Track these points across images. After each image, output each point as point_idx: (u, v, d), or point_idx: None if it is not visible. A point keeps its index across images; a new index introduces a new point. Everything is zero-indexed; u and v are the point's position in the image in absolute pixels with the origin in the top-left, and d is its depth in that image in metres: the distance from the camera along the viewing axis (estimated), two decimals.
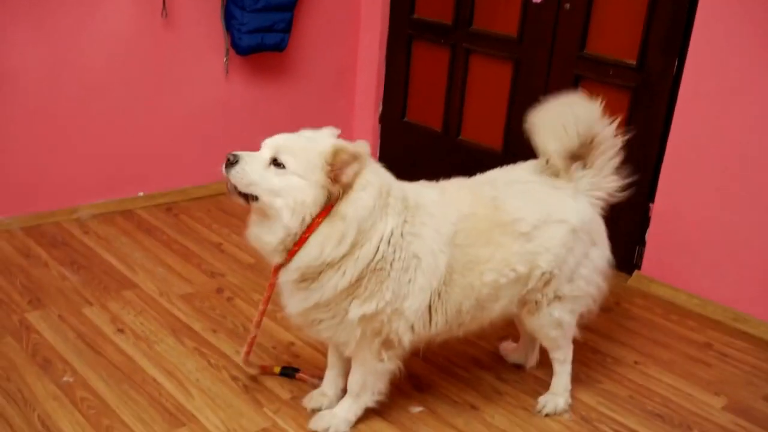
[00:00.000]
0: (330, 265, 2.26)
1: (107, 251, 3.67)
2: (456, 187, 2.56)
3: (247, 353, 2.69)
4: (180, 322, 3.13)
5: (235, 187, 2.28)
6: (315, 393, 2.68)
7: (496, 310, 2.56)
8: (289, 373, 2.79)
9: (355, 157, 2.22)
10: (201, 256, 3.71)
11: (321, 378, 2.75)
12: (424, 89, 4.64)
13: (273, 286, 2.45)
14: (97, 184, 4.05)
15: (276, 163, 2.23)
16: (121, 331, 3.03)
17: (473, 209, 2.46)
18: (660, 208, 3.65)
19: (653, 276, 3.72)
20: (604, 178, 2.65)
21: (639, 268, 3.78)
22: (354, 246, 2.25)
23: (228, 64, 4.29)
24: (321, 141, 2.28)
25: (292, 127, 4.99)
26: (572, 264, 2.56)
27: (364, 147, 2.24)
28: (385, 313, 2.34)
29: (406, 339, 2.42)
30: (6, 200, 3.79)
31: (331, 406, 2.62)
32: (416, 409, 2.70)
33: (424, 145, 4.67)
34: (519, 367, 3.00)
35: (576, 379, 2.84)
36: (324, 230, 2.23)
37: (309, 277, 2.31)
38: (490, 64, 4.26)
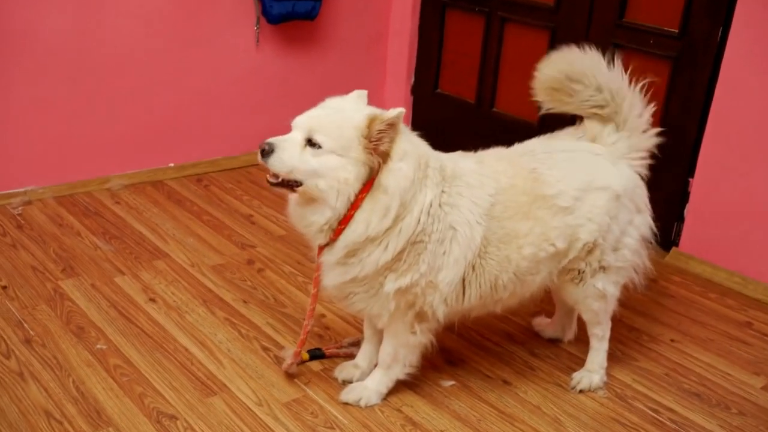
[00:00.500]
0: (372, 240, 2.26)
1: (138, 221, 3.71)
2: (495, 157, 2.54)
3: (300, 345, 2.64)
4: (211, 293, 3.17)
5: (276, 177, 2.26)
6: (347, 364, 2.70)
7: (537, 282, 2.55)
8: (317, 354, 2.78)
9: (390, 125, 2.19)
10: (231, 228, 3.74)
11: (341, 346, 2.79)
12: (458, 59, 4.59)
13: (320, 267, 2.44)
14: (128, 154, 4.10)
15: (311, 143, 2.21)
16: (152, 300, 3.08)
17: (512, 181, 2.44)
18: (700, 182, 3.59)
19: (692, 253, 3.67)
20: (639, 137, 2.63)
21: (677, 244, 3.73)
22: (396, 219, 2.24)
23: (259, 33, 4.28)
24: (353, 112, 2.25)
25: (323, 98, 4.98)
26: (617, 232, 2.54)
27: (398, 113, 2.20)
28: (419, 286, 2.34)
29: (440, 312, 2.43)
30: (39, 170, 3.85)
31: (362, 379, 2.64)
32: (448, 383, 2.72)
33: (457, 117, 4.64)
34: (555, 342, 3.00)
35: (611, 356, 2.83)
36: (367, 205, 2.22)
37: (350, 253, 2.31)
38: (526, 33, 4.20)
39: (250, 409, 2.53)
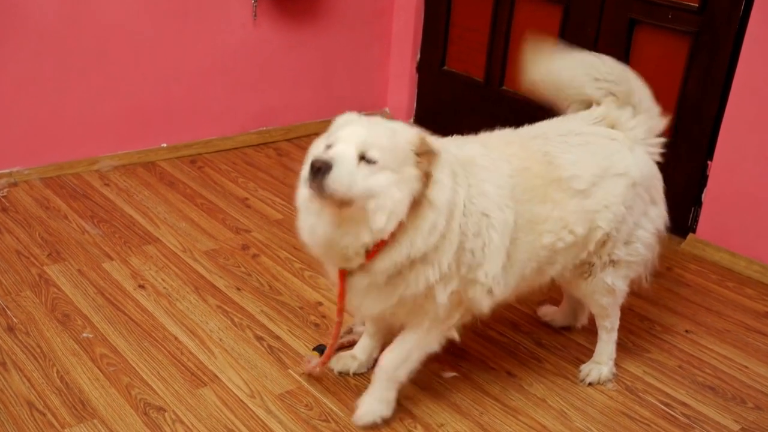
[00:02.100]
0: (420, 260, 2.16)
1: (128, 204, 3.71)
2: (502, 141, 2.48)
3: (323, 364, 2.58)
4: (203, 279, 3.16)
5: (323, 194, 2.05)
6: (344, 355, 2.69)
7: (551, 274, 2.52)
8: (324, 349, 2.69)
9: (434, 152, 2.14)
10: (226, 211, 3.73)
11: (339, 337, 2.78)
12: (466, 34, 4.55)
13: (343, 294, 2.31)
14: (119, 134, 4.08)
15: (364, 159, 2.07)
16: (142, 287, 3.08)
17: (525, 164, 2.39)
18: (719, 165, 3.55)
19: (709, 240, 3.64)
20: (656, 119, 2.61)
21: (694, 231, 3.70)
22: (443, 233, 2.16)
23: (256, 6, 4.25)
24: (400, 129, 2.17)
25: (324, 75, 4.94)
26: (630, 224, 2.51)
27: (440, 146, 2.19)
28: (465, 286, 2.28)
29: (486, 304, 2.37)
30: (25, 150, 3.84)
31: (359, 370, 2.65)
32: (449, 375, 2.71)
33: (464, 95, 4.60)
34: (566, 330, 2.99)
35: (622, 347, 2.82)
36: (412, 224, 2.12)
37: (393, 275, 2.20)
38: (537, 8, 4.15)
39: (241, 401, 2.52)
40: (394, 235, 2.11)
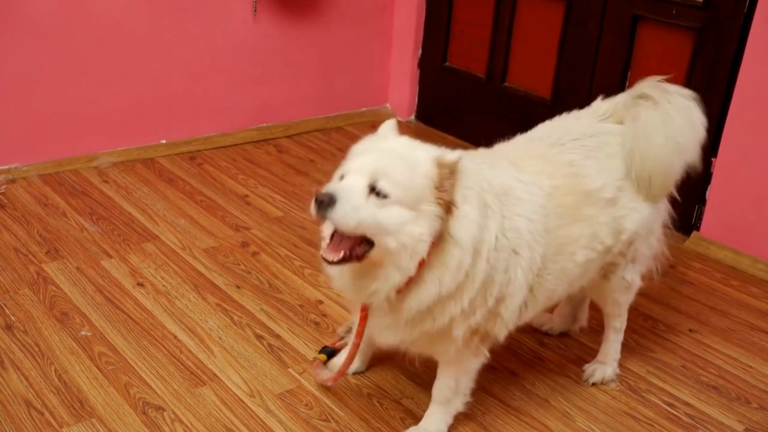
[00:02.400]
0: (447, 297, 2.08)
1: (127, 201, 3.70)
2: (525, 154, 2.38)
3: (335, 379, 2.55)
4: (202, 277, 3.16)
5: (336, 251, 1.98)
6: (341, 358, 2.62)
7: (581, 284, 2.51)
8: (331, 352, 2.70)
9: (452, 171, 1.99)
10: (225, 209, 3.72)
11: (341, 338, 2.78)
12: (468, 30, 4.54)
13: (364, 325, 2.26)
14: (118, 130, 4.08)
15: (375, 192, 1.95)
16: (141, 285, 3.08)
17: (554, 181, 2.31)
18: (723, 162, 3.54)
19: (713, 238, 3.63)
20: None
21: (698, 228, 3.70)
22: (468, 270, 2.06)
23: (256, 1, 4.24)
24: (416, 157, 2.01)
25: (324, 71, 4.92)
26: (651, 218, 2.51)
27: (458, 157, 2.01)
28: (485, 318, 2.22)
29: (502, 335, 2.33)
30: (23, 146, 3.84)
31: (358, 370, 2.64)
32: None
33: (466, 91, 4.59)
34: (564, 335, 2.97)
35: (625, 346, 2.81)
36: (437, 261, 2.01)
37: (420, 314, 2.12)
38: (540, 3, 4.14)
39: (241, 400, 2.52)
40: (420, 274, 2.02)
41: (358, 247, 1.98)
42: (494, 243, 2.09)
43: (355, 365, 2.65)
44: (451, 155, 2.01)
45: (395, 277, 2.01)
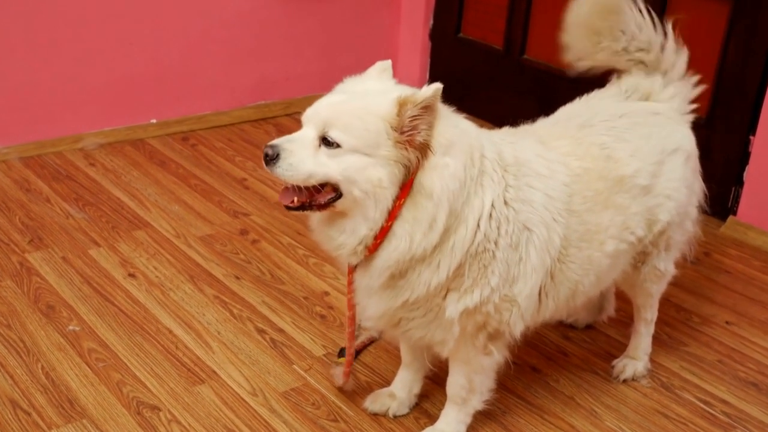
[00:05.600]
0: (420, 259, 2.07)
1: (116, 186, 3.71)
2: (552, 134, 2.38)
3: (347, 374, 2.53)
4: (199, 267, 3.17)
5: (291, 197, 2.06)
6: (382, 393, 2.56)
7: (612, 278, 2.51)
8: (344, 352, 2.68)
9: (425, 108, 1.95)
10: (222, 193, 3.73)
11: (356, 336, 2.76)
12: None
13: (352, 290, 2.28)
14: (104, 109, 4.09)
15: (326, 142, 1.99)
16: (132, 275, 3.09)
17: (584, 164, 2.30)
18: (762, 141, 3.53)
19: (751, 222, 3.63)
20: (689, 86, 2.62)
21: (734, 213, 3.70)
22: (447, 232, 2.04)
23: None
24: (377, 96, 2.02)
25: (328, 44, 4.91)
26: (686, 203, 2.52)
27: (434, 91, 1.94)
28: (491, 303, 2.18)
29: (518, 329, 2.29)
30: (3, 127, 3.84)
31: (399, 411, 2.52)
32: None
33: (481, 65, 4.59)
34: (590, 326, 2.98)
35: (657, 340, 2.82)
36: (408, 214, 2.01)
37: (395, 274, 2.12)
38: None
39: (242, 398, 2.53)
40: (391, 227, 2.04)
41: (319, 196, 2.05)
42: (489, 211, 2.09)
43: (395, 405, 2.52)
44: (422, 91, 1.97)
45: (362, 229, 2.05)
